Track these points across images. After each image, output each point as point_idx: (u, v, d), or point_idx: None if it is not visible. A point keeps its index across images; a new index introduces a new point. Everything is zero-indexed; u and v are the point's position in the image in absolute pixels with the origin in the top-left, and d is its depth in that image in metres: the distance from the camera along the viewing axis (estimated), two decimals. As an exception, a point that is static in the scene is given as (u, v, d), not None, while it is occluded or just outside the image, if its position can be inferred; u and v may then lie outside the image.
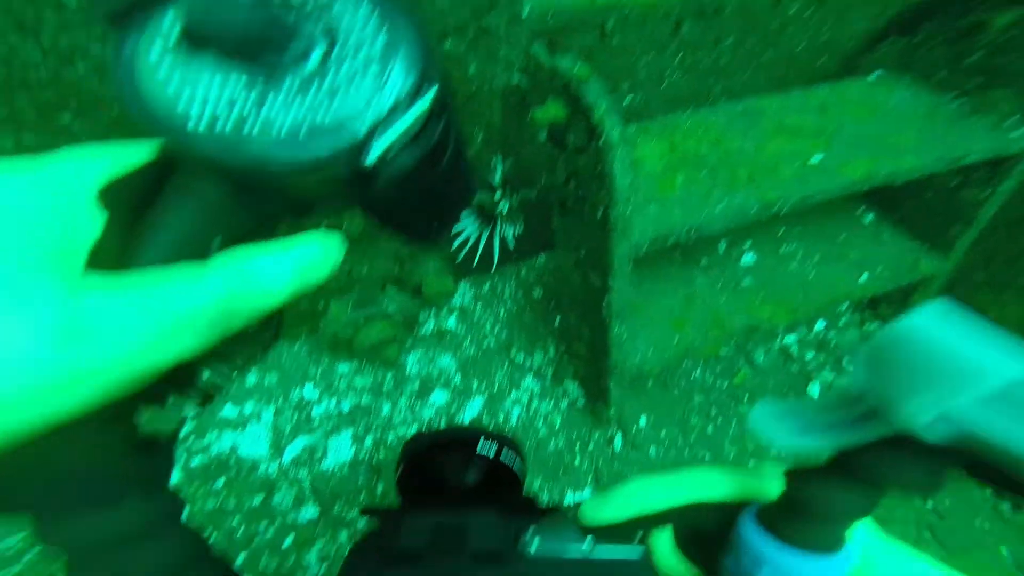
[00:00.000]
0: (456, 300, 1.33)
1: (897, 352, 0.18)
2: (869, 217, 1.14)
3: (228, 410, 1.11)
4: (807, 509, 0.24)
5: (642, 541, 0.31)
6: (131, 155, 0.21)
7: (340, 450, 1.07)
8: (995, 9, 0.86)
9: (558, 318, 1.29)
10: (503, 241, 1.13)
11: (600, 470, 1.10)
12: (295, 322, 1.23)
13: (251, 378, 1.17)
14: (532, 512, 0.35)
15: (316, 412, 1.13)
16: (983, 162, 0.88)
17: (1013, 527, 0.99)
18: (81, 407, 0.17)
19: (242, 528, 0.95)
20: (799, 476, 0.24)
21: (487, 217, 1.13)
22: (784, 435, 0.23)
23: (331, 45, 0.20)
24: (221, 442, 1.06)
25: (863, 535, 0.28)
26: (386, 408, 1.15)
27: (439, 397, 1.18)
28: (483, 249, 1.13)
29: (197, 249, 0.21)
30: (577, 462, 1.11)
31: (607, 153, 0.72)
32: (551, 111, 0.84)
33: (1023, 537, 0.97)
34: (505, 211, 1.11)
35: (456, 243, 1.15)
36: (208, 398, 0.24)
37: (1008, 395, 0.17)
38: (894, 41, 1.01)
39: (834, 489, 0.23)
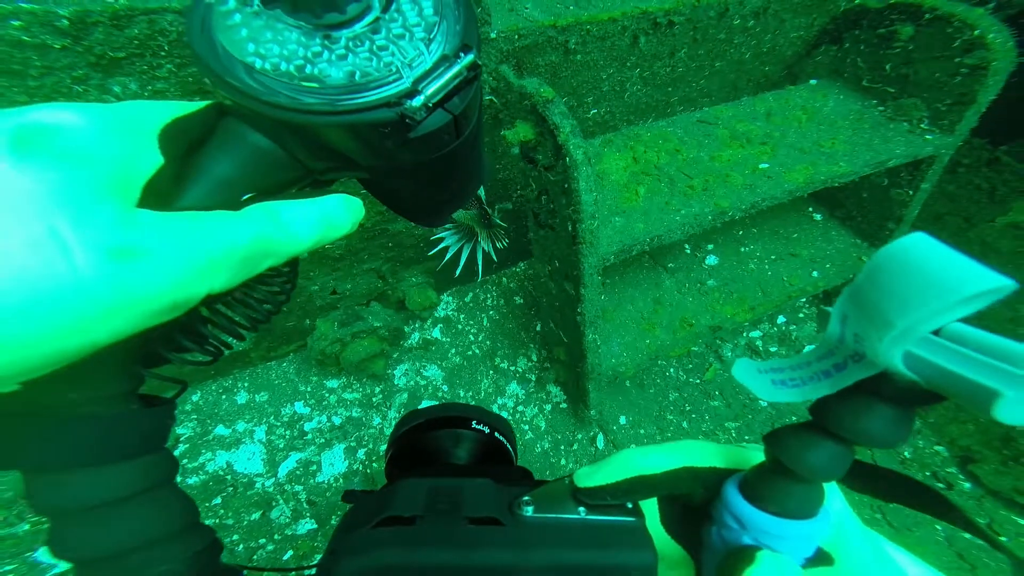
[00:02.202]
0: (440, 311, 1.37)
1: (885, 276, 0.19)
2: (818, 216, 1.22)
3: (220, 429, 1.14)
4: (785, 469, 0.24)
5: (634, 510, 0.30)
6: (186, 108, 0.23)
7: (334, 463, 1.10)
8: (901, 22, 0.95)
9: (539, 324, 1.34)
10: (486, 255, 1.17)
11: (585, 468, 1.15)
12: (282, 341, 1.26)
13: (242, 397, 1.20)
14: (527, 482, 0.35)
15: (308, 427, 1.16)
16: (904, 164, 0.96)
17: None
18: (116, 331, 0.18)
19: (242, 544, 0.98)
20: (777, 435, 0.25)
21: (469, 232, 1.18)
22: (766, 389, 0.23)
23: (385, 8, 0.23)
24: (216, 461, 1.08)
25: (835, 512, 0.28)
26: (376, 420, 1.18)
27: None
28: (466, 262, 1.18)
29: (238, 193, 0.23)
30: (563, 462, 1.16)
31: (572, 171, 0.78)
32: (520, 132, 0.89)
33: None
34: (490, 225, 1.16)
35: (434, 251, 1.19)
36: (217, 354, 0.26)
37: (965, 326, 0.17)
38: (827, 49, 1.10)
39: (808, 446, 0.23)
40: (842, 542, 0.27)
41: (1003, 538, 1.00)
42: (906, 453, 1.15)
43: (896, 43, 0.96)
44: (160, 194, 0.20)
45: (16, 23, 0.55)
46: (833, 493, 0.28)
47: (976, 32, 0.84)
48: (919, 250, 0.18)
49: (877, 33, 0.99)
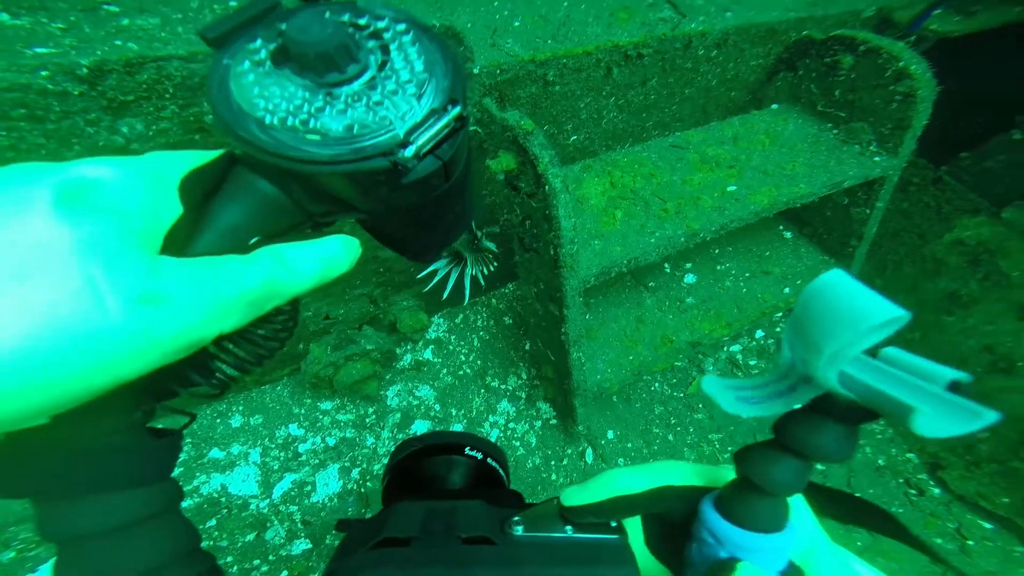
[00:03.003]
0: (431, 333, 1.41)
1: (812, 308, 0.21)
2: (788, 234, 1.29)
3: (215, 453, 1.15)
4: (753, 484, 0.26)
5: (618, 528, 0.32)
6: (203, 157, 0.24)
7: (328, 483, 1.12)
8: (842, 52, 1.03)
9: (527, 344, 1.38)
10: (474, 279, 1.22)
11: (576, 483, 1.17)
12: (276, 366, 1.28)
13: (236, 420, 1.22)
14: (517, 503, 0.37)
15: (303, 448, 1.18)
16: (859, 185, 1.03)
17: (919, 511, 1.13)
18: (139, 368, 0.20)
19: (236, 566, 0.99)
20: (745, 453, 0.27)
21: (458, 256, 1.22)
22: (731, 403, 0.26)
23: (380, 67, 0.25)
24: (211, 483, 1.10)
25: (806, 531, 0.29)
26: (370, 440, 1.21)
27: (421, 426, 1.24)
28: (454, 285, 1.22)
29: (246, 238, 0.25)
30: (554, 477, 1.19)
31: (552, 199, 0.83)
32: (504, 162, 0.95)
33: (924, 520, 1.11)
34: (479, 249, 1.21)
35: (422, 273, 1.23)
36: (224, 387, 0.27)
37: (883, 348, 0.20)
38: (784, 76, 1.18)
39: (772, 462, 0.25)
40: (812, 557, 0.29)
41: (970, 542, 1.05)
42: (880, 461, 1.20)
43: (841, 72, 1.03)
44: (178, 240, 0.22)
45: (44, 73, 0.60)
46: (805, 511, 0.30)
47: (901, 63, 0.93)
48: (836, 286, 0.21)
49: (824, 62, 1.07)
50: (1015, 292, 0.95)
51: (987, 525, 1.08)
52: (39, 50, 0.66)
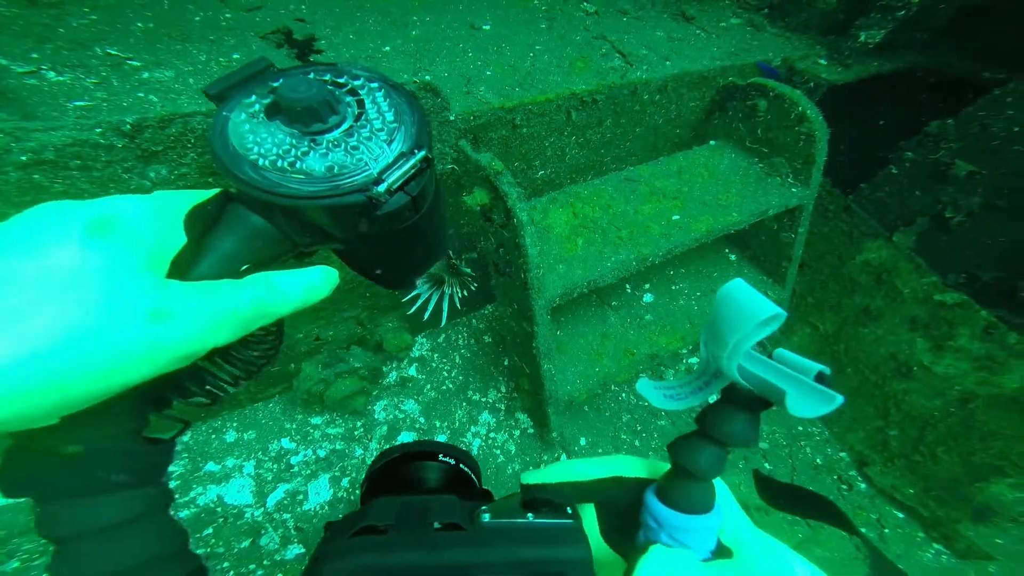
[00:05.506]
0: (415, 351, 1.50)
1: (720, 310, 0.24)
2: (732, 256, 1.44)
3: (211, 466, 1.22)
4: (683, 470, 0.29)
5: (573, 515, 0.35)
6: (203, 195, 0.27)
7: (320, 492, 1.20)
8: (759, 96, 1.19)
9: (506, 359, 1.49)
10: (452, 302, 1.34)
11: (550, 488, 1.26)
12: (269, 384, 1.36)
13: (230, 436, 1.29)
14: (486, 499, 0.43)
15: (295, 460, 1.25)
16: (783, 212, 1.17)
17: (848, 504, 1.27)
18: (144, 374, 0.22)
19: (232, 571, 1.06)
20: (675, 443, 0.30)
21: (439, 281, 1.34)
22: (660, 400, 0.29)
23: (357, 118, 0.28)
24: (207, 495, 1.17)
25: (732, 517, 0.32)
26: (359, 451, 1.29)
27: (406, 438, 1.33)
28: (433, 308, 1.33)
29: (239, 265, 0.28)
30: (530, 482, 1.28)
31: (520, 230, 0.96)
32: (478, 197, 1.08)
33: (853, 513, 1.25)
34: (459, 274, 1.33)
35: (406, 297, 1.34)
36: (215, 398, 0.30)
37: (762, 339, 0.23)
38: (719, 115, 1.33)
39: (696, 449, 0.28)
40: (738, 539, 0.32)
41: (886, 530, 1.18)
42: (818, 460, 1.32)
43: (759, 113, 1.19)
44: (182, 266, 0.26)
45: (98, 130, 0.72)
46: (728, 499, 0.34)
47: (800, 108, 1.09)
48: (736, 291, 0.25)
49: (746, 104, 1.23)
50: (907, 306, 1.11)
51: (899, 515, 1.21)
52: (77, 103, 0.77)
